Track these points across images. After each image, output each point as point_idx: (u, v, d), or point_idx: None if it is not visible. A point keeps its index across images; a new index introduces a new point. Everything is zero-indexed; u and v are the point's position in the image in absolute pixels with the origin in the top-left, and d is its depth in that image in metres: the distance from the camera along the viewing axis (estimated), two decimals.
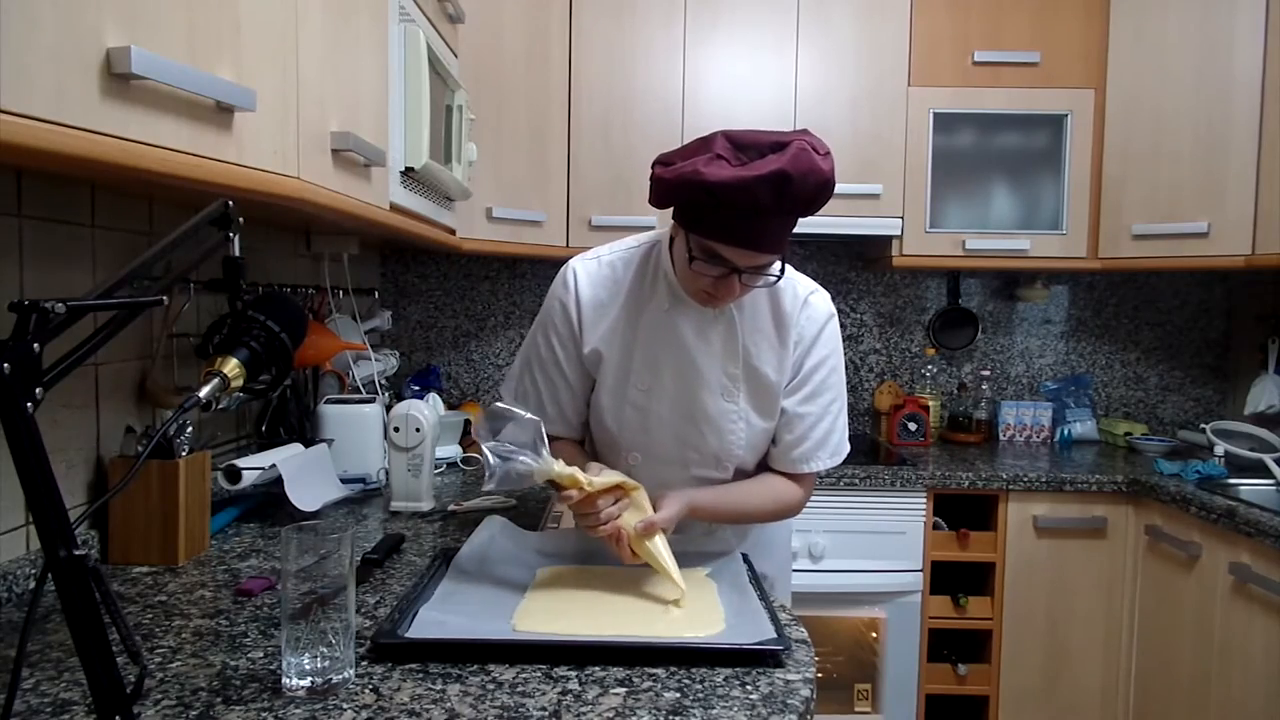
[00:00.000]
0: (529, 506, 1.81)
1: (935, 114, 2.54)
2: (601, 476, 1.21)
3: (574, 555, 1.34)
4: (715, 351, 1.35)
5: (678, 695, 0.90)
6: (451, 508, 1.76)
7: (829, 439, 1.41)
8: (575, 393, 1.43)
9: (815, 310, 1.39)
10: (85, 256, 1.35)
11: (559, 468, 1.17)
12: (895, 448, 2.68)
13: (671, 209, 1.27)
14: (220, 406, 1.47)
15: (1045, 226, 2.59)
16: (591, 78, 2.53)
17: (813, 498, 2.27)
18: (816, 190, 1.17)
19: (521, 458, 1.15)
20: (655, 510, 1.23)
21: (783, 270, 1.26)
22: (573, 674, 0.95)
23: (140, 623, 1.10)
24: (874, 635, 2.38)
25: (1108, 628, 2.35)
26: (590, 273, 1.41)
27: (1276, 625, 1.83)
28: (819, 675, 1.06)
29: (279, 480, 1.59)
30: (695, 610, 1.13)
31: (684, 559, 1.30)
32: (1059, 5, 2.54)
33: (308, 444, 1.80)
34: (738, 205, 1.15)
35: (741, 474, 1.45)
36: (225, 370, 0.95)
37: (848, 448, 1.46)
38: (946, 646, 2.42)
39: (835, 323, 1.42)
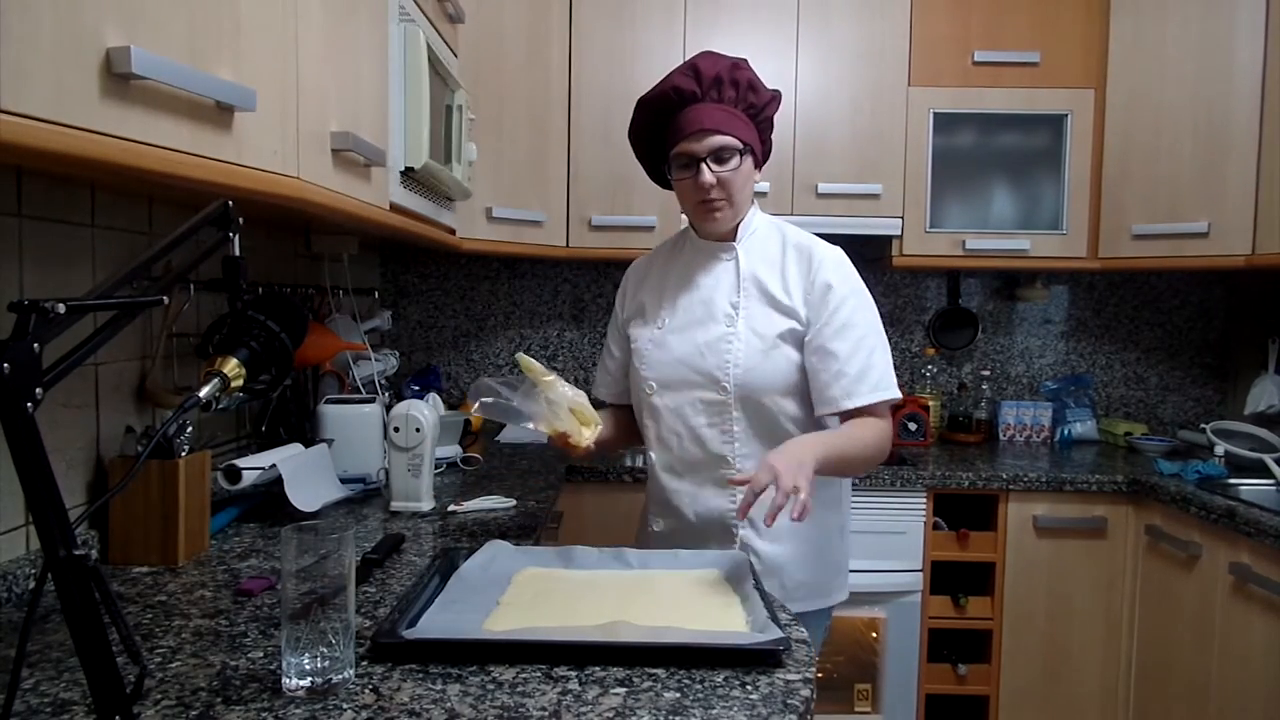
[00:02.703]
0: (529, 506, 1.81)
1: (935, 114, 2.54)
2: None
3: (560, 562, 1.32)
4: (723, 286, 1.53)
5: (678, 695, 0.90)
6: (451, 508, 1.76)
7: (867, 374, 1.45)
8: (617, 360, 1.68)
9: (828, 251, 1.52)
10: (85, 256, 1.35)
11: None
12: (895, 448, 2.68)
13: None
14: (220, 406, 1.47)
15: (1045, 226, 2.59)
16: (591, 78, 2.53)
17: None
18: (728, 69, 1.45)
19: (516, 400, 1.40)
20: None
21: (747, 153, 1.46)
22: (573, 674, 0.95)
23: (140, 623, 1.10)
24: (874, 635, 2.38)
25: (1108, 628, 2.35)
26: (638, 261, 1.71)
27: (1276, 625, 1.83)
28: (819, 675, 1.06)
29: (279, 480, 1.59)
30: (718, 611, 1.12)
31: (693, 561, 1.31)
32: (1059, 5, 2.54)
33: (308, 444, 1.80)
34: (670, 103, 1.46)
35: (753, 409, 1.48)
36: (225, 370, 0.95)
37: (896, 390, 1.48)
38: (946, 646, 2.42)
39: (849, 266, 1.52)
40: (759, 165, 1.53)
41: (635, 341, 1.59)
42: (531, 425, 1.40)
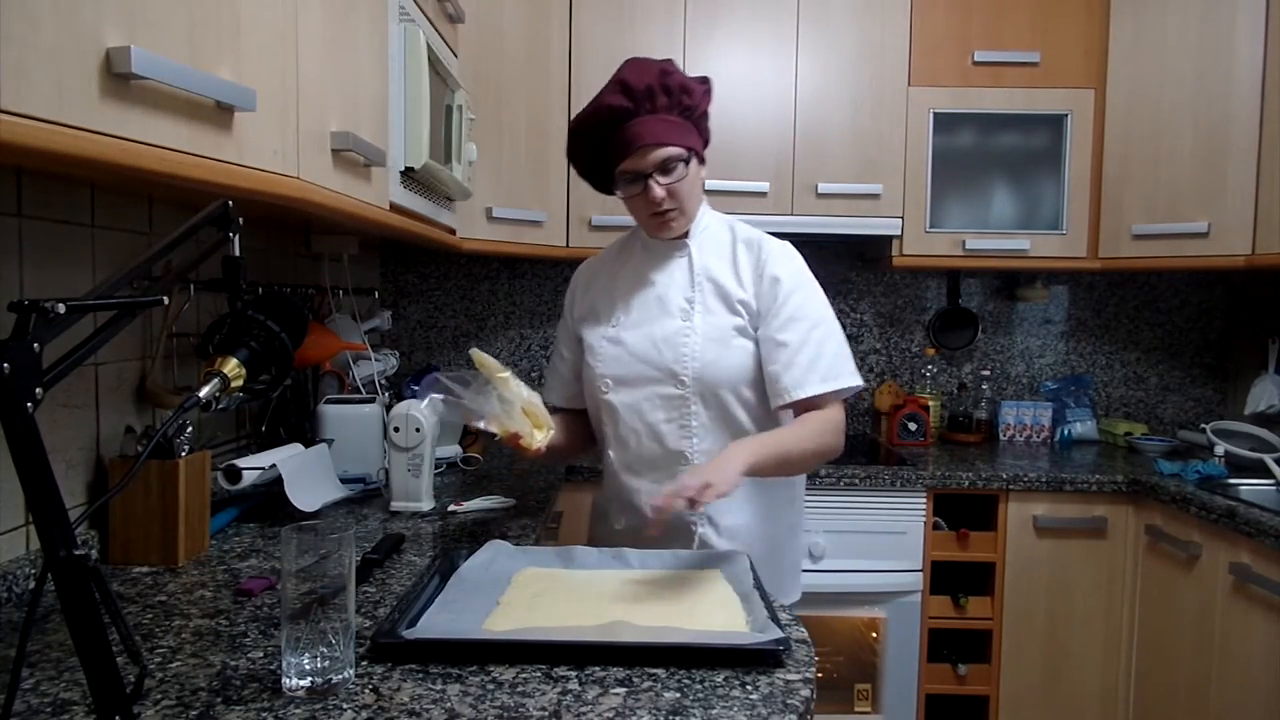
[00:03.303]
0: (529, 506, 1.81)
1: (935, 114, 2.54)
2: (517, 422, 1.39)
3: (561, 564, 1.32)
4: (676, 282, 1.54)
5: (678, 695, 0.90)
6: (451, 508, 1.76)
7: (817, 363, 1.46)
8: (568, 362, 1.67)
9: (776, 245, 1.54)
10: (85, 256, 1.35)
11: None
12: (895, 448, 2.68)
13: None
14: (220, 406, 1.47)
15: (1045, 226, 2.59)
16: (591, 78, 2.53)
17: (813, 497, 2.32)
18: (658, 77, 1.43)
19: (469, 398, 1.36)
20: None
21: (691, 159, 1.47)
22: (573, 674, 0.95)
23: (140, 623, 1.10)
24: (874, 635, 2.38)
25: (1108, 628, 2.35)
26: (586, 263, 1.71)
27: (1276, 625, 1.83)
28: (819, 675, 1.06)
29: (279, 480, 1.59)
30: (718, 611, 1.12)
31: (693, 562, 1.32)
32: (1059, 5, 2.54)
33: (308, 444, 1.80)
34: (604, 123, 1.45)
35: (712, 402, 1.50)
36: (225, 370, 0.95)
37: (852, 378, 1.49)
38: (946, 646, 2.42)
39: (798, 259, 1.54)
40: (703, 160, 1.53)
41: (588, 340, 1.58)
42: (483, 424, 1.36)
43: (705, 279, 1.52)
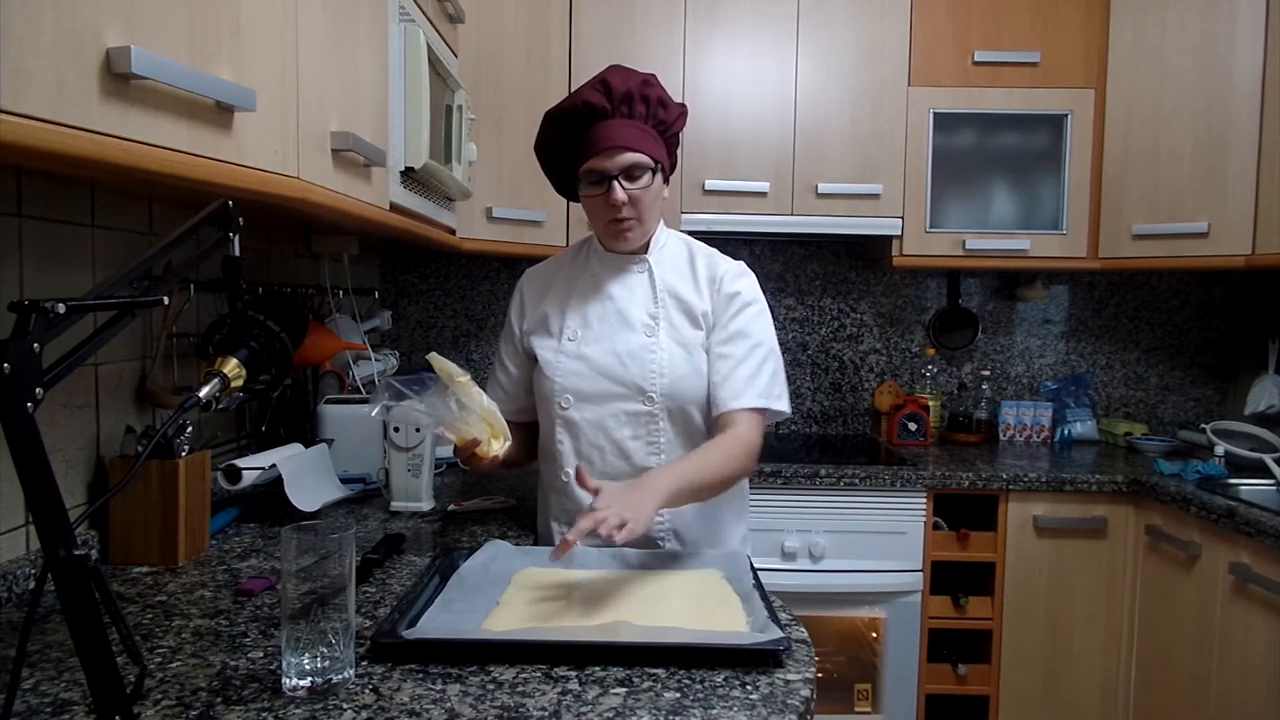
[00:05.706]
0: (530, 506, 1.81)
1: (935, 114, 2.54)
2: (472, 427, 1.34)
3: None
4: (638, 298, 1.53)
5: (678, 695, 0.90)
6: (451, 508, 1.76)
7: (756, 380, 1.47)
8: (513, 376, 1.62)
9: (731, 265, 1.55)
10: (85, 256, 1.35)
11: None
12: (895, 448, 2.68)
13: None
14: (220, 406, 1.47)
15: (1045, 226, 2.59)
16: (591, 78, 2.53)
17: (813, 497, 2.32)
18: (639, 86, 1.44)
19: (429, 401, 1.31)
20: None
21: (657, 171, 1.46)
22: (573, 674, 0.95)
23: (140, 623, 1.10)
24: (874, 635, 2.38)
25: (1108, 628, 2.35)
26: (533, 271, 1.65)
27: (1276, 625, 1.83)
28: (819, 675, 1.06)
29: (279, 480, 1.59)
30: (718, 611, 1.12)
31: (693, 562, 1.31)
32: (1059, 5, 2.54)
33: (308, 444, 1.80)
34: (580, 117, 1.45)
35: (679, 418, 1.48)
36: (225, 370, 0.95)
37: (781, 403, 1.50)
38: (946, 646, 2.42)
39: (753, 280, 1.56)
40: (667, 180, 1.53)
41: (542, 354, 1.53)
42: (441, 430, 1.33)
43: (667, 295, 1.52)
